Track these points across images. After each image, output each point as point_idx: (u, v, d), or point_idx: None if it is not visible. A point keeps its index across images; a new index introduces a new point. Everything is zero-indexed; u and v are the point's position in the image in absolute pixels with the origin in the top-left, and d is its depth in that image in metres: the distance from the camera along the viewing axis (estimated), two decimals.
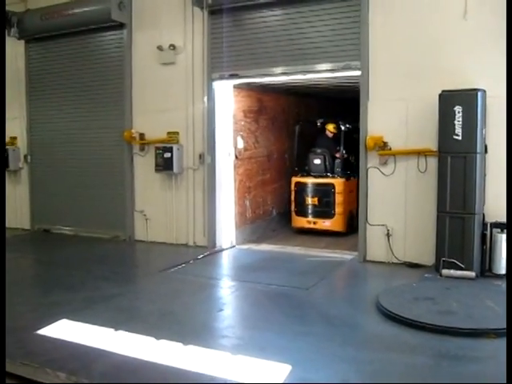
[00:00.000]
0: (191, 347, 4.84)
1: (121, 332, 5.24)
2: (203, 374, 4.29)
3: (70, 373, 4.08)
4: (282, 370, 4.32)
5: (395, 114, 7.77)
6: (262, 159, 10.79)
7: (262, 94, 10.80)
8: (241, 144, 9.96)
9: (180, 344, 4.91)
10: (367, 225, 8.08)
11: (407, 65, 7.64)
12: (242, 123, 9.98)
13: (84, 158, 10.79)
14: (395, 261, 7.86)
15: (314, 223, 10.53)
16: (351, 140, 10.56)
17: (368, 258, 8.11)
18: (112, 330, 5.30)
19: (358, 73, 8.10)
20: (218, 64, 9.13)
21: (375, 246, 8.05)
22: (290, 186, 11.03)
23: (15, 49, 11.31)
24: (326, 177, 10.67)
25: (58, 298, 6.52)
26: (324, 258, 8.54)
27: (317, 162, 10.82)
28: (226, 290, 6.92)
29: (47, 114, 11.28)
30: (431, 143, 7.42)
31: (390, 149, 7.84)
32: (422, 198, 7.63)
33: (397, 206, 7.85)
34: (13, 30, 10.69)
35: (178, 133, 9.51)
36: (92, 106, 10.60)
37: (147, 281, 7.47)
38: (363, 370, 4.39)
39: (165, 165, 9.45)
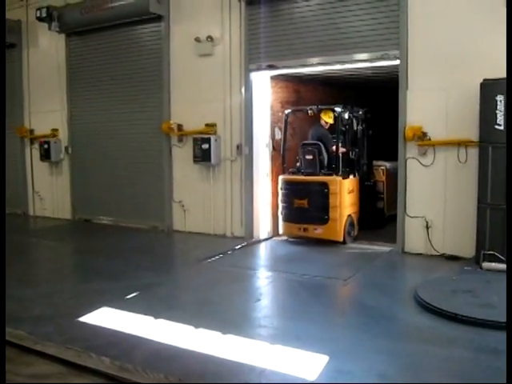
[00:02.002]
0: (229, 336, 4.89)
1: (160, 320, 5.33)
2: (241, 362, 4.33)
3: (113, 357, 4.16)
4: (319, 360, 4.32)
5: (435, 103, 7.65)
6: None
7: (298, 84, 10.76)
8: (278, 135, 9.95)
9: (218, 333, 4.96)
10: (406, 216, 7.99)
11: (447, 53, 7.49)
12: (280, 114, 9.96)
13: (123, 149, 10.97)
14: (434, 253, 7.76)
15: (305, 230, 8.89)
16: (358, 132, 9.85)
17: (406, 250, 8.04)
18: (151, 318, 5.39)
19: (396, 62, 8.00)
20: (255, 55, 9.14)
21: (414, 237, 7.96)
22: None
23: (56, 43, 11.59)
24: (319, 174, 8.97)
25: (99, 286, 6.67)
26: (362, 250, 8.49)
27: (308, 157, 9.12)
28: (264, 281, 6.95)
29: (87, 106, 11.50)
30: (472, 133, 7.27)
31: (430, 139, 7.72)
32: (462, 190, 7.50)
33: (436, 197, 7.75)
34: (53, 24, 10.92)
35: (215, 124, 9.57)
36: (131, 97, 10.75)
37: (186, 270, 7.57)
38: (401, 362, 4.36)
39: (203, 156, 9.53)
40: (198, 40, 9.57)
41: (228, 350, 4.59)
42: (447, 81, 7.52)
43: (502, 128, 6.74)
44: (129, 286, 6.60)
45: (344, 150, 9.30)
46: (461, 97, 7.38)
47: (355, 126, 9.82)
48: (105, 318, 5.47)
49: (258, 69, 9.19)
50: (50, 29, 11.02)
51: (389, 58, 8.06)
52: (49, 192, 12.33)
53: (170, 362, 4.34)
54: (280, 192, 9.24)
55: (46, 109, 12.03)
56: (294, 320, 5.41)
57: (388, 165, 10.54)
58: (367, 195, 9.81)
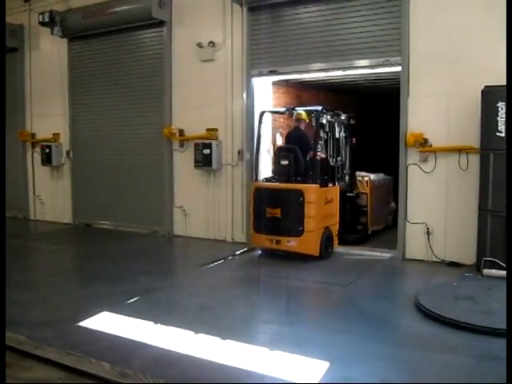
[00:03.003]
0: (229, 342, 4.87)
1: (159, 325, 5.31)
2: (240, 368, 4.31)
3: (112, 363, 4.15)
4: (320, 366, 4.31)
5: (436, 110, 7.66)
6: None
7: (300, 90, 10.81)
8: (279, 141, 9.96)
9: (218, 338, 4.94)
10: (407, 223, 7.98)
11: (449, 60, 7.51)
12: (281, 120, 9.97)
13: (124, 153, 10.98)
14: (435, 259, 7.76)
15: (277, 242, 8.11)
16: (341, 139, 9.38)
17: (407, 257, 8.03)
18: (151, 323, 5.37)
19: (398, 68, 8.02)
20: (256, 60, 9.17)
21: (414, 244, 7.96)
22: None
23: (58, 47, 11.62)
24: (294, 181, 8.17)
25: (99, 290, 6.66)
26: (362, 256, 8.45)
27: (284, 162, 8.35)
28: (264, 286, 6.93)
29: (89, 110, 11.52)
30: (473, 140, 7.27)
31: (431, 145, 7.73)
32: (463, 196, 7.50)
33: (437, 203, 7.74)
34: (56, 28, 10.96)
35: (216, 129, 9.58)
36: (132, 102, 10.77)
37: (186, 275, 7.56)
38: (402, 369, 4.34)
39: (204, 161, 9.54)
40: (199, 45, 9.59)
41: (227, 355, 4.57)
42: (449, 87, 7.53)
43: (503, 135, 6.75)
44: (129, 290, 6.58)
45: (323, 155, 8.81)
46: (462, 103, 7.39)
47: (337, 132, 9.37)
48: (104, 322, 5.45)
49: (260, 74, 9.21)
50: (52, 33, 11.05)
51: (390, 65, 8.09)
52: (50, 196, 12.32)
53: (170, 367, 4.32)
54: (251, 199, 8.55)
55: (47, 113, 12.04)
56: (295, 326, 5.39)
57: (372, 176, 9.97)
58: (349, 208, 9.29)
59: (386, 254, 8.39)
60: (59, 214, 12.15)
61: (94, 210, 11.56)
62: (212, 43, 9.47)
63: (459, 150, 7.48)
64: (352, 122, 9.53)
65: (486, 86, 6.89)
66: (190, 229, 10.11)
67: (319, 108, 8.68)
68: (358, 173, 9.80)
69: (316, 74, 9.12)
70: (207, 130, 9.65)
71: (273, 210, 8.13)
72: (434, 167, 7.74)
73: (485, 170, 6.97)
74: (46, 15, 10.88)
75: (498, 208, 6.87)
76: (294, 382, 4.07)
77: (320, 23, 8.56)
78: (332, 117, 9.12)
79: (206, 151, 9.48)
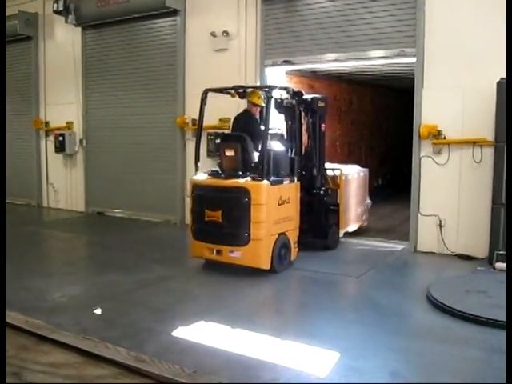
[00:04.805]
0: (239, 331, 4.92)
1: (171, 313, 5.37)
2: (251, 357, 4.35)
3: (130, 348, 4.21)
4: (331, 357, 4.34)
5: (451, 102, 7.61)
6: None
7: (313, 80, 10.78)
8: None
9: (228, 327, 4.99)
10: (419, 215, 7.97)
11: (464, 51, 7.44)
12: None
13: (137, 142, 11.02)
14: (447, 252, 7.74)
15: (218, 252, 6.79)
16: (309, 126, 7.98)
17: (419, 249, 8.02)
18: (164, 311, 5.43)
19: (412, 60, 7.97)
20: (270, 50, 9.14)
21: (426, 236, 7.94)
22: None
23: (72, 36, 11.66)
24: (240, 178, 6.73)
25: (112, 278, 6.72)
26: (374, 248, 8.44)
27: (229, 153, 6.97)
28: (276, 276, 6.95)
29: (102, 99, 11.56)
30: (487, 133, 7.23)
31: (445, 138, 7.69)
32: (477, 189, 7.46)
33: (450, 196, 7.71)
34: (70, 17, 10.99)
35: (229, 119, 9.56)
36: (146, 91, 10.79)
37: (197, 264, 7.58)
38: (413, 361, 4.35)
39: (216, 150, 9.53)
40: (213, 35, 9.58)
41: (238, 344, 4.61)
42: (464, 79, 7.47)
43: None
44: (141, 278, 6.66)
45: (278, 145, 7.39)
46: (477, 96, 7.34)
47: (302, 117, 8.00)
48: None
49: (273, 64, 9.19)
50: (66, 22, 11.09)
51: (405, 56, 8.03)
52: (63, 184, 12.42)
53: (182, 355, 4.37)
54: (190, 198, 7.21)
55: (61, 101, 12.10)
56: (306, 316, 5.43)
57: (345, 169, 8.71)
58: (316, 207, 8.01)
59: (397, 246, 8.38)
60: (72, 201, 12.24)
61: (106, 198, 11.63)
62: (226, 33, 9.46)
63: (473, 143, 7.44)
64: (321, 104, 8.10)
65: (501, 78, 6.84)
66: None
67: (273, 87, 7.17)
68: (327, 166, 8.51)
69: (330, 64, 9.08)
70: (220, 119, 9.65)
71: (212, 213, 6.73)
72: (448, 159, 7.70)
73: (498, 163, 6.93)
74: (61, 3, 10.93)
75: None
76: (305, 372, 4.10)
77: (334, 13, 8.51)
78: (292, 97, 7.69)
79: (219, 141, 9.47)
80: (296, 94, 7.70)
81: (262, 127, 7.02)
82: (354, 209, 8.97)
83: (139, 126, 10.95)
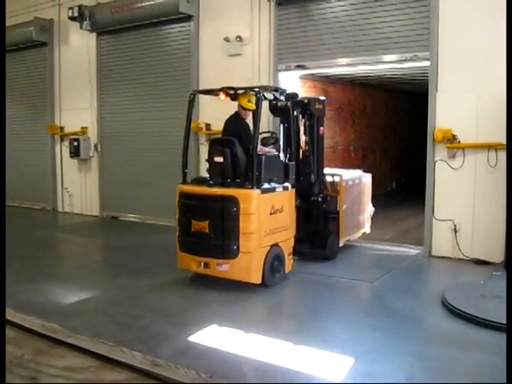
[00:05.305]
0: (253, 335, 4.92)
1: (184, 317, 5.39)
2: (265, 362, 4.35)
3: (145, 352, 4.22)
4: (345, 362, 4.33)
5: (465, 105, 7.56)
6: (327, 150, 10.60)
7: (327, 84, 10.77)
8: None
9: (242, 332, 5.00)
10: (433, 219, 7.92)
11: (478, 55, 7.41)
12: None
13: (151, 147, 11.08)
14: (462, 257, 7.69)
15: (206, 265, 6.39)
16: (306, 129, 7.62)
17: (433, 254, 7.97)
18: (178, 314, 5.46)
19: (426, 63, 7.93)
20: (283, 55, 9.16)
21: (441, 241, 7.89)
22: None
23: (87, 41, 11.77)
24: (228, 185, 6.39)
25: (125, 282, 6.77)
26: (388, 252, 8.40)
27: (218, 158, 6.56)
28: (289, 280, 6.95)
29: (117, 104, 11.65)
30: (503, 136, 7.16)
31: (459, 141, 7.64)
32: (492, 193, 7.41)
33: (465, 200, 7.66)
34: (85, 23, 11.10)
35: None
36: (159, 96, 10.85)
37: None
38: (428, 367, 4.33)
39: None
40: (227, 40, 9.63)
41: (250, 349, 4.61)
42: (478, 83, 7.43)
43: None
44: (154, 282, 6.69)
45: (270, 150, 6.96)
46: (492, 99, 7.29)
47: (299, 120, 7.67)
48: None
49: (287, 69, 9.20)
50: (81, 28, 11.20)
51: (419, 59, 7.99)
52: (77, 189, 12.51)
53: (196, 359, 4.38)
54: (177, 208, 6.80)
55: (76, 106, 12.21)
56: (320, 321, 5.41)
57: (345, 175, 8.21)
58: (314, 215, 7.65)
59: (412, 251, 8.34)
60: (87, 206, 12.33)
61: (121, 202, 11.70)
62: (239, 38, 9.50)
63: (488, 147, 7.39)
64: (318, 106, 7.72)
65: None
66: None
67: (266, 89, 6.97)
68: (327, 171, 8.14)
69: (343, 68, 9.08)
70: None
71: (199, 223, 6.33)
72: (462, 163, 7.66)
73: None
74: (76, 10, 11.05)
75: None
76: (319, 377, 4.09)
77: (347, 17, 8.51)
78: (287, 99, 7.32)
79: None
80: (290, 96, 7.40)
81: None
82: (355, 216, 8.47)
83: (153, 130, 11.01)
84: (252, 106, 6.73)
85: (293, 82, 9.49)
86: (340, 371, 4.18)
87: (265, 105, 7.37)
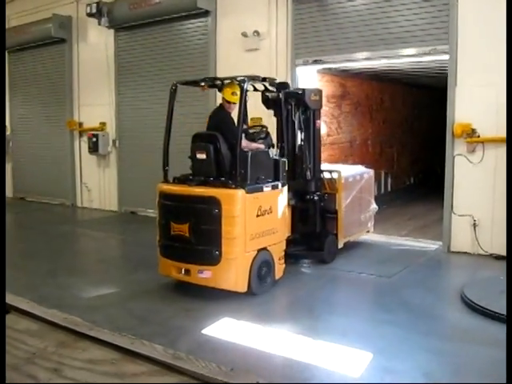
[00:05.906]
0: (271, 329, 4.95)
1: (198, 312, 5.43)
2: (283, 356, 4.39)
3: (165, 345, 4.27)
4: (364, 357, 4.34)
5: (485, 99, 7.48)
6: (344, 145, 10.69)
7: (344, 79, 10.73)
8: (323, 129, 9.92)
9: (259, 326, 5.03)
10: (452, 214, 7.87)
11: (498, 48, 7.29)
12: (325, 108, 9.93)
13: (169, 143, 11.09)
14: (481, 252, 7.63)
15: (187, 272, 5.90)
16: (300, 122, 7.09)
17: (452, 249, 7.91)
18: (195, 309, 5.51)
19: (445, 57, 7.86)
20: (301, 50, 9.13)
21: (460, 236, 7.83)
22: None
23: (105, 38, 11.81)
24: (210, 184, 5.95)
25: (143, 277, 6.83)
26: (407, 247, 8.37)
27: (200, 155, 6.21)
28: (309, 276, 6.96)
29: (135, 100, 11.71)
30: None
31: (479, 136, 7.57)
32: None
33: (484, 195, 7.59)
34: (103, 19, 11.16)
35: (261, 118, 9.57)
36: (178, 92, 10.84)
37: None
38: (447, 362, 4.32)
39: None
40: (244, 35, 9.62)
41: (269, 343, 4.64)
42: (498, 76, 7.32)
43: None
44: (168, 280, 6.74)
45: (258, 145, 6.43)
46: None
47: (290, 111, 7.07)
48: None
49: (305, 64, 9.17)
50: (99, 24, 11.26)
51: (437, 53, 7.92)
52: (96, 184, 12.62)
53: (215, 353, 4.42)
54: (157, 209, 6.34)
55: (94, 102, 12.30)
56: (338, 316, 5.43)
57: (344, 171, 7.73)
58: (311, 214, 7.18)
59: (431, 246, 8.30)
60: (105, 201, 12.43)
61: (139, 197, 11.75)
62: (257, 32, 9.49)
63: None
64: (314, 98, 7.22)
65: None
66: None
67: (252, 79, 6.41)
68: (325, 167, 7.71)
69: (361, 63, 9.03)
70: (251, 119, 9.63)
71: (179, 226, 5.86)
72: (482, 158, 7.58)
73: None
74: (94, 6, 11.09)
75: None
76: (338, 372, 4.10)
77: (365, 11, 8.44)
78: (278, 90, 6.87)
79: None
80: (280, 86, 6.91)
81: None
82: (356, 215, 8.00)
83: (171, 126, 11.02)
84: (235, 98, 6.22)
85: (311, 77, 9.47)
86: (359, 366, 4.19)
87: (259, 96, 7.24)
